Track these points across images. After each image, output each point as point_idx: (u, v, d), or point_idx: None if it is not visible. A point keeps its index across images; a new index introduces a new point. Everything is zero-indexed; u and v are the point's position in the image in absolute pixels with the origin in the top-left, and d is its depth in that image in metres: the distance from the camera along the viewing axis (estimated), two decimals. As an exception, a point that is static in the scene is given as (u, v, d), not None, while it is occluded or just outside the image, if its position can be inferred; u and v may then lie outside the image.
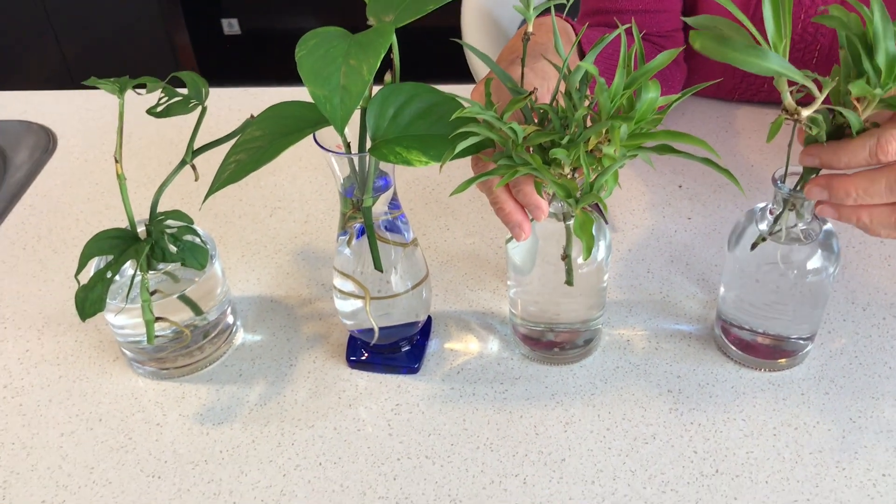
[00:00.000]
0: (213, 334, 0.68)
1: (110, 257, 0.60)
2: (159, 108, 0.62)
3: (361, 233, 0.60)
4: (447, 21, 1.07)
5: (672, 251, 0.76)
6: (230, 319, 0.70)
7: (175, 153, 0.95)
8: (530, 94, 0.52)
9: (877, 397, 0.62)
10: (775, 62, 0.49)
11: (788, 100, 0.52)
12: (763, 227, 0.60)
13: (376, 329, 0.64)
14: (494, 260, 0.77)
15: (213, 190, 0.55)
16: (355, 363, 0.67)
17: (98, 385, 0.68)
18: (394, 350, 0.67)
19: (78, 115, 1.04)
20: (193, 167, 0.63)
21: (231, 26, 2.61)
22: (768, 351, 0.64)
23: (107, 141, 0.99)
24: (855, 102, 0.51)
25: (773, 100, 0.92)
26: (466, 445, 0.61)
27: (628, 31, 0.52)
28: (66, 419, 0.65)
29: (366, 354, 0.67)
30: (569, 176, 0.53)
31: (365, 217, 0.59)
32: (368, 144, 0.54)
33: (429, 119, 0.54)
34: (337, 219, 0.72)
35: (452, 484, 0.58)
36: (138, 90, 0.63)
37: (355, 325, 0.66)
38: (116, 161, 0.61)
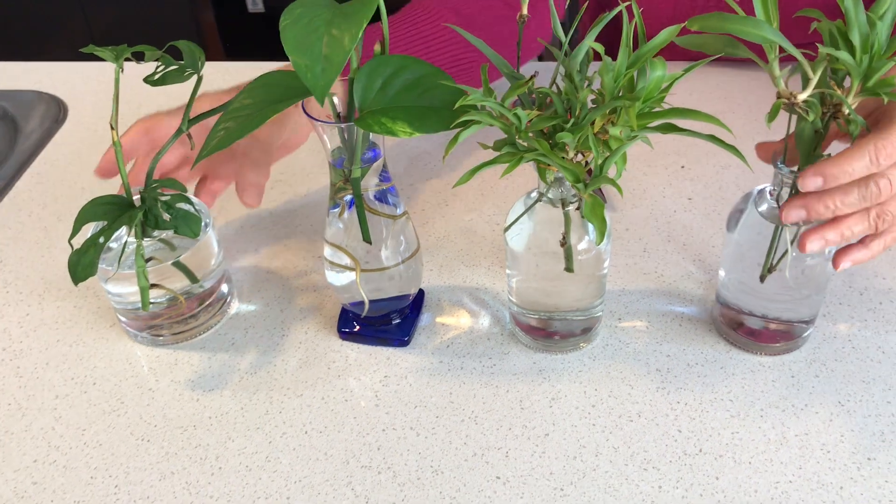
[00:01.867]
0: (207, 302, 0.68)
1: (105, 224, 0.61)
2: (155, 77, 0.63)
3: (352, 205, 0.61)
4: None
5: (670, 231, 0.75)
6: (225, 289, 0.70)
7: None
8: (531, 78, 0.52)
9: (867, 381, 0.61)
10: (769, 31, 0.49)
11: (782, 86, 0.51)
12: (762, 208, 0.59)
13: (366, 301, 0.64)
14: (491, 237, 0.76)
15: (201, 156, 0.55)
16: (347, 335, 0.68)
17: (94, 350, 0.69)
18: (385, 322, 0.67)
19: (90, 86, 1.05)
20: (189, 136, 0.64)
21: (255, 4, 2.62)
22: (768, 335, 0.64)
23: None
24: (837, 91, 0.51)
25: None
26: (451, 418, 0.61)
27: (628, 10, 0.51)
28: (61, 382, 0.66)
29: (357, 327, 0.68)
30: (575, 160, 0.52)
31: (354, 188, 0.59)
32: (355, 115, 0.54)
33: (416, 91, 0.54)
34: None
35: (435, 455, 0.59)
36: (140, 62, 0.63)
37: (347, 298, 0.66)
38: (112, 128, 0.62)
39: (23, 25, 2.67)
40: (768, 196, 0.59)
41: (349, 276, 0.64)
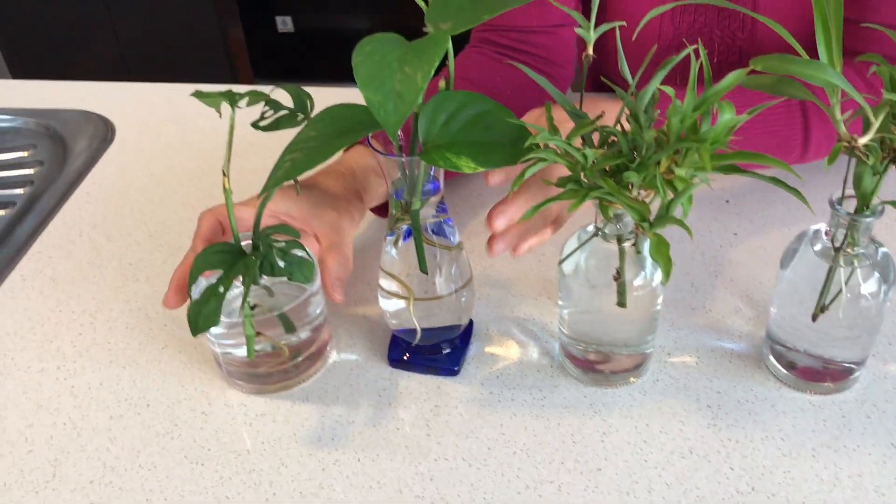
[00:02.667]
0: (309, 351, 0.67)
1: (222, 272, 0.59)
2: (265, 122, 0.62)
3: (408, 235, 0.62)
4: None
5: (717, 266, 0.76)
6: (326, 335, 0.70)
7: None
8: (598, 118, 0.52)
9: (920, 424, 0.61)
10: (832, 76, 0.50)
11: (843, 130, 0.52)
12: (817, 248, 0.60)
13: (419, 330, 0.65)
14: (537, 268, 0.77)
15: (268, 186, 0.56)
16: (396, 363, 0.68)
17: (146, 371, 0.69)
18: (434, 352, 0.68)
19: (136, 106, 1.06)
20: (297, 181, 0.64)
21: (285, 24, 2.65)
22: (819, 374, 0.64)
23: (163, 133, 1.01)
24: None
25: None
26: (503, 450, 0.61)
27: (696, 52, 0.52)
28: (115, 403, 0.67)
29: (407, 355, 0.68)
30: (640, 199, 0.53)
31: (413, 219, 0.60)
32: (419, 149, 0.55)
33: (479, 126, 0.55)
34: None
35: (488, 487, 0.59)
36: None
37: (398, 325, 0.67)
38: (224, 175, 0.60)
39: (50, 39, 2.71)
40: (823, 236, 0.60)
41: (402, 304, 0.64)
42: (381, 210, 0.80)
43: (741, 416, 0.63)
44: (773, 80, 0.55)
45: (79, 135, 0.99)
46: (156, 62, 2.72)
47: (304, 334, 0.66)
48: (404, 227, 0.62)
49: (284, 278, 0.62)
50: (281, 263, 0.62)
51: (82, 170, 0.94)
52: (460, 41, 0.70)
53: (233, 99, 0.57)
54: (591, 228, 0.61)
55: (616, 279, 0.60)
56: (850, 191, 0.57)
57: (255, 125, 0.61)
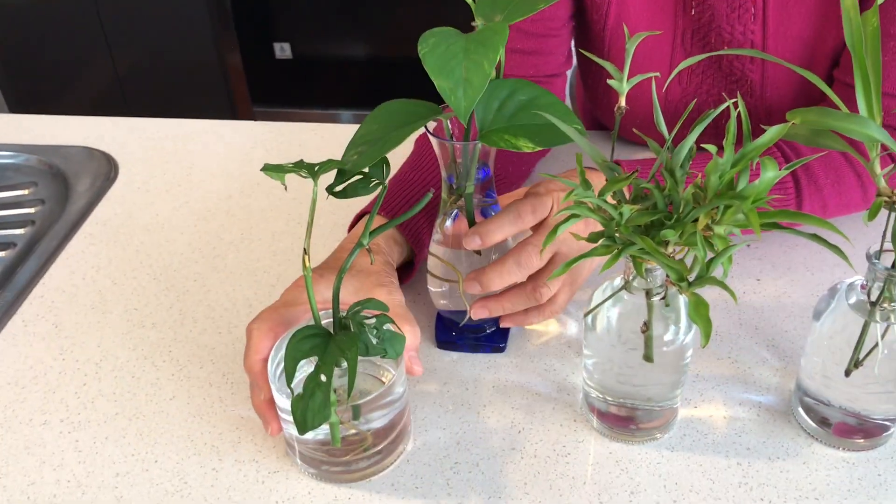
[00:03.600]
0: (389, 438, 0.62)
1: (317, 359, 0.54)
2: (339, 188, 0.57)
3: (456, 217, 0.66)
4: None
5: (741, 314, 0.74)
6: (407, 420, 0.64)
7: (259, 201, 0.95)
8: (633, 174, 0.51)
9: (959, 483, 0.59)
10: (874, 130, 0.49)
11: (883, 184, 0.51)
12: (851, 301, 0.58)
13: (469, 308, 0.68)
14: (563, 319, 0.74)
15: (338, 182, 0.56)
16: (444, 343, 0.72)
17: (154, 424, 0.67)
18: (478, 331, 0.72)
19: (139, 142, 1.04)
20: (369, 250, 0.60)
21: (283, 50, 2.64)
22: (852, 430, 0.62)
23: (167, 171, 0.99)
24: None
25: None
26: (527, 510, 0.59)
27: (735, 105, 0.50)
28: (121, 458, 0.64)
29: (453, 334, 0.72)
30: (675, 257, 0.51)
31: (466, 202, 0.64)
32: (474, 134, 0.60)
33: (529, 110, 0.59)
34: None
35: (513, 551, 0.57)
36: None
37: (445, 306, 0.70)
38: (305, 252, 0.56)
39: (48, 68, 2.70)
40: (859, 290, 0.58)
41: (449, 286, 0.68)
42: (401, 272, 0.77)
43: (773, 474, 0.61)
44: (811, 133, 0.54)
45: (81, 172, 0.97)
46: (154, 90, 2.71)
47: (386, 419, 0.60)
48: (454, 211, 0.66)
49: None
50: (374, 341, 0.57)
51: (85, 209, 0.92)
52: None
53: (312, 171, 0.54)
54: (618, 282, 0.59)
55: (643, 331, 0.58)
56: (888, 245, 0.55)
57: (330, 190, 0.57)
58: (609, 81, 0.53)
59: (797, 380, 0.64)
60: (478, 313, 0.67)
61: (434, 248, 0.68)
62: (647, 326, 0.58)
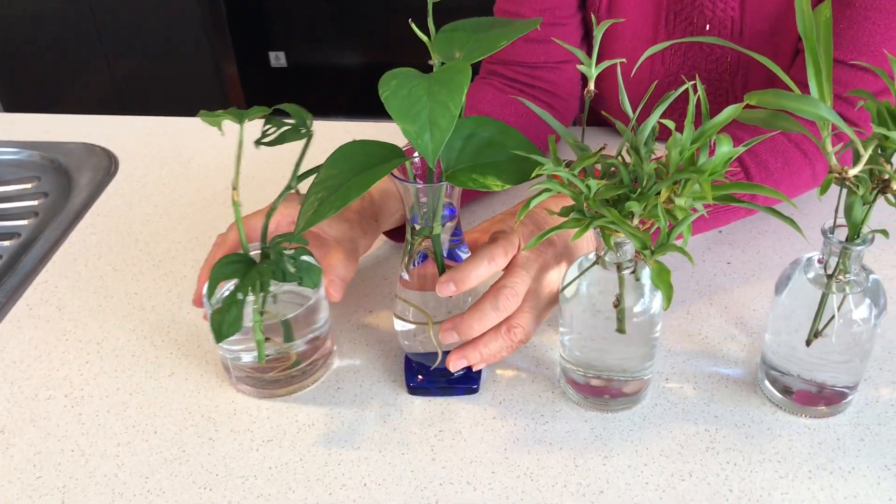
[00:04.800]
0: (313, 357, 0.71)
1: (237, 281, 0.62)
2: (270, 138, 0.65)
3: (423, 259, 0.64)
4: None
5: (712, 294, 0.78)
6: (329, 343, 0.73)
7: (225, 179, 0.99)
8: (600, 150, 0.55)
9: (912, 446, 0.63)
10: (824, 110, 0.52)
11: (834, 161, 0.54)
12: (810, 275, 0.62)
13: (440, 353, 0.67)
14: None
15: (301, 228, 0.58)
16: (415, 388, 0.70)
17: (153, 398, 0.70)
18: (446, 374, 0.69)
19: (139, 139, 1.08)
20: (298, 192, 0.66)
21: (278, 59, 2.69)
22: (813, 398, 0.65)
23: (165, 165, 1.03)
24: (887, 167, 0.53)
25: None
26: (507, 474, 0.63)
27: (694, 87, 0.54)
28: (122, 429, 0.68)
29: (420, 377, 0.70)
30: (641, 228, 0.55)
31: (434, 244, 0.63)
32: (438, 175, 0.59)
33: (493, 148, 0.59)
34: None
35: (493, 510, 0.60)
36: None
37: (416, 350, 0.69)
38: (234, 189, 0.63)
39: (46, 74, 2.74)
40: (816, 264, 0.62)
41: (417, 328, 0.67)
42: (395, 234, 0.82)
43: (738, 439, 0.64)
44: (768, 115, 0.58)
45: (83, 167, 1.01)
46: (151, 98, 2.75)
47: (308, 341, 0.69)
48: (419, 252, 0.65)
49: (289, 288, 0.66)
50: (291, 270, 0.64)
51: (87, 201, 0.95)
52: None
53: (240, 115, 0.61)
54: (591, 256, 0.63)
55: (616, 306, 0.62)
56: (841, 220, 0.59)
57: (258, 142, 0.64)
58: (578, 66, 0.57)
59: (762, 353, 0.68)
60: (456, 364, 0.65)
61: (401, 290, 0.67)
62: (619, 301, 0.62)
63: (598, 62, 0.57)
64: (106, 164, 1.02)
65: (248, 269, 0.63)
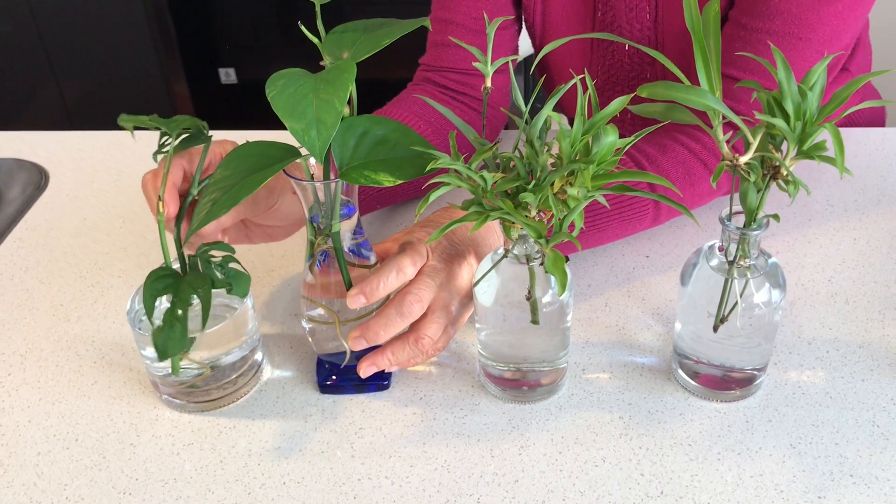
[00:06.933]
0: (240, 371, 0.70)
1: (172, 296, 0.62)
2: (170, 147, 0.65)
3: (325, 258, 0.64)
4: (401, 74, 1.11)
5: (630, 287, 0.80)
6: (259, 356, 0.73)
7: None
8: (495, 144, 0.56)
9: (816, 425, 0.65)
10: (711, 100, 0.54)
11: (725, 149, 0.56)
12: (713, 263, 0.64)
13: (348, 351, 0.67)
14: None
15: (194, 228, 0.58)
16: (326, 388, 0.70)
17: (76, 407, 0.70)
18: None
19: (71, 154, 1.08)
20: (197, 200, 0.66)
21: (228, 76, 2.68)
22: (723, 382, 0.67)
23: (96, 179, 1.03)
24: (776, 154, 0.55)
25: None
26: (425, 467, 0.64)
27: (582, 81, 0.56)
28: (43, 439, 0.68)
29: (334, 377, 0.71)
30: (536, 218, 0.57)
31: (334, 241, 0.63)
32: (332, 174, 0.59)
33: (386, 146, 0.60)
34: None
35: (409, 503, 0.61)
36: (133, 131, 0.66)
37: (323, 350, 0.69)
38: (160, 199, 0.64)
39: (-5, 95, 2.71)
40: (717, 251, 0.64)
41: (326, 328, 0.67)
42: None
43: (651, 425, 0.66)
44: (663, 108, 0.60)
45: (11, 182, 1.00)
46: (102, 119, 2.72)
47: (238, 352, 0.69)
48: (322, 251, 0.65)
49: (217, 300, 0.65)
50: (219, 277, 0.64)
51: (15, 216, 0.95)
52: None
53: (168, 124, 0.62)
54: (501, 251, 0.64)
55: (528, 298, 0.63)
56: (737, 207, 0.61)
57: (157, 154, 0.64)
58: (474, 63, 0.58)
59: (673, 341, 0.70)
60: (367, 371, 0.66)
61: (306, 290, 0.68)
62: (530, 293, 0.63)
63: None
64: (36, 179, 1.02)
65: (179, 282, 0.62)
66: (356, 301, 0.63)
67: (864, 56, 1.06)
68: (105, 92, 2.69)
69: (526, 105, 0.56)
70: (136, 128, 0.67)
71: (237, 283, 0.66)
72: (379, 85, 0.95)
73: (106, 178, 1.03)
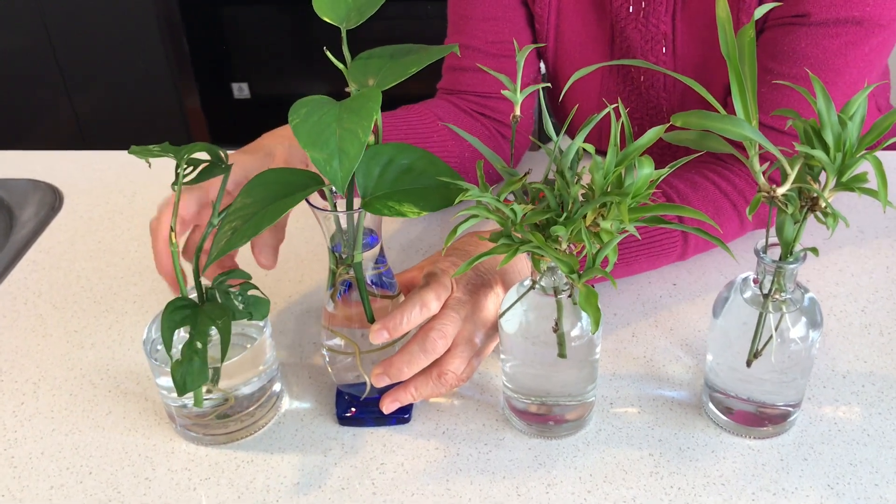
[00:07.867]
0: (259, 402, 0.68)
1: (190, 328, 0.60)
2: (191, 177, 0.63)
3: (347, 289, 0.63)
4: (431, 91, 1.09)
5: (657, 316, 0.78)
6: (277, 388, 0.71)
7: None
8: (525, 175, 0.55)
9: (854, 464, 0.63)
10: (748, 130, 0.53)
11: (762, 180, 0.55)
12: (746, 295, 0.62)
13: (368, 382, 0.65)
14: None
15: (213, 258, 0.57)
16: (345, 420, 0.69)
17: (90, 439, 0.69)
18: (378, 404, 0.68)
19: (85, 174, 1.07)
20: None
21: (241, 90, 2.68)
22: (756, 418, 0.65)
23: (111, 200, 1.01)
24: (814, 185, 0.54)
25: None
26: (449, 505, 0.62)
27: (616, 111, 0.54)
28: (56, 472, 0.66)
29: (353, 409, 0.69)
30: (567, 251, 0.55)
31: (356, 272, 0.62)
32: (356, 203, 0.57)
33: (411, 175, 0.58)
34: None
35: (433, 543, 0.59)
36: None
37: (343, 381, 0.68)
38: (172, 230, 0.62)
39: (7, 112, 2.71)
40: (752, 284, 0.62)
41: (347, 359, 0.65)
42: None
43: (682, 463, 0.64)
44: (697, 136, 0.58)
45: (25, 203, 0.99)
46: (114, 134, 2.73)
47: (256, 383, 0.67)
48: (343, 281, 0.63)
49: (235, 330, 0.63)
50: (239, 306, 0.63)
51: (29, 238, 0.94)
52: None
53: (177, 152, 0.60)
54: (527, 282, 0.62)
55: (555, 330, 0.61)
56: (773, 239, 0.59)
57: (175, 184, 0.62)
58: (504, 92, 0.56)
59: (704, 374, 0.68)
60: (390, 407, 0.65)
61: (327, 321, 0.66)
62: (557, 325, 0.61)
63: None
64: (50, 200, 1.00)
65: (197, 313, 0.61)
66: (379, 336, 0.62)
67: (880, 78, 1.04)
68: (118, 107, 2.69)
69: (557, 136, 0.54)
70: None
71: (256, 308, 0.64)
72: (398, 101, 0.93)
73: (120, 199, 1.01)
